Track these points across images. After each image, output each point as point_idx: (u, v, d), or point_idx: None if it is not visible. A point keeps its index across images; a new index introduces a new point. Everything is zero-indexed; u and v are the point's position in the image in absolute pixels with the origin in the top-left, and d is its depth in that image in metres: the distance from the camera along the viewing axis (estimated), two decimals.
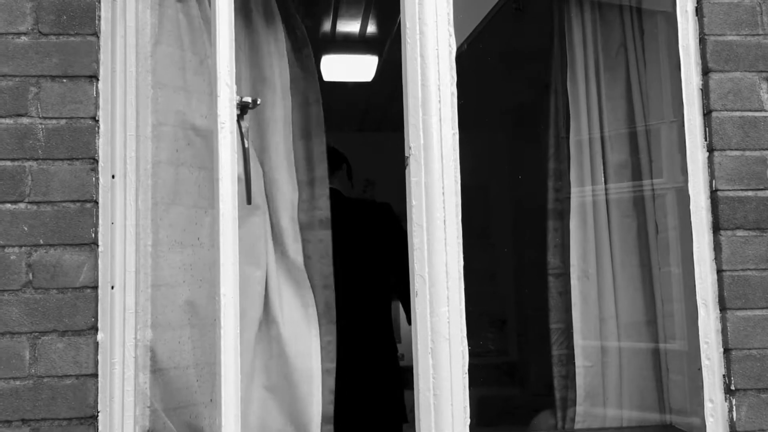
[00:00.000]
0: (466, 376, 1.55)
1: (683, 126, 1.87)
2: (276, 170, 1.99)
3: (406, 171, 1.50)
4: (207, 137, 1.87)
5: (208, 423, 1.82)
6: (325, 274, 2.02)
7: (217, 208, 1.23)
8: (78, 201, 1.65)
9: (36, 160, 1.65)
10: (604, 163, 2.23)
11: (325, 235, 2.02)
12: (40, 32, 1.68)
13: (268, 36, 2.03)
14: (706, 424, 1.78)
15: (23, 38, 1.68)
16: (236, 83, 1.97)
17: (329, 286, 2.02)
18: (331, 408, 1.94)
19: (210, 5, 1.86)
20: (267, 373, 1.93)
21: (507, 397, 4.04)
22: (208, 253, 1.81)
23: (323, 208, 2.03)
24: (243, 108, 1.36)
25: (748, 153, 1.83)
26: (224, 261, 1.25)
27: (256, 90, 2.00)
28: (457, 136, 1.51)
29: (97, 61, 1.70)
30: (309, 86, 2.09)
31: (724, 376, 1.78)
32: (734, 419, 1.75)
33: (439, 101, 1.51)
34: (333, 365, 1.97)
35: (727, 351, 1.78)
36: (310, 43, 2.11)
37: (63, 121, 1.66)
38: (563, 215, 2.21)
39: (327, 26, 3.95)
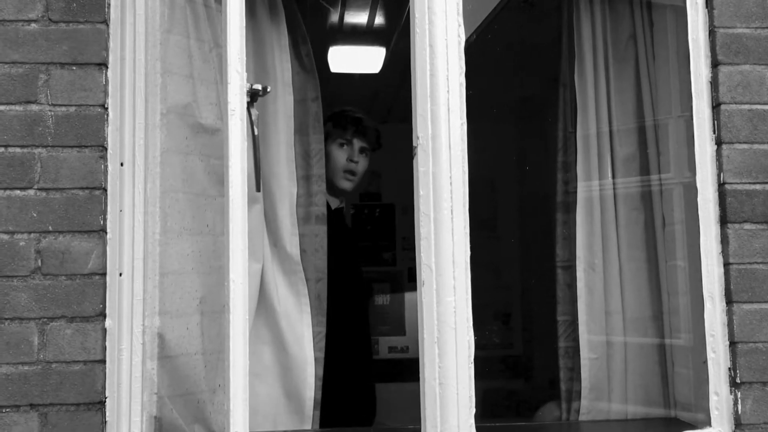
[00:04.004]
0: (472, 365, 1.56)
1: (692, 119, 1.86)
2: (276, 163, 2.01)
3: (414, 161, 1.50)
4: (215, 125, 1.87)
5: (212, 409, 1.82)
6: (319, 267, 2.06)
7: (227, 195, 1.23)
8: (87, 188, 1.65)
9: (45, 147, 1.65)
10: (612, 157, 2.22)
11: (321, 230, 2.07)
12: (50, 19, 1.69)
13: (271, 30, 2.04)
14: (711, 416, 1.78)
15: (33, 25, 1.68)
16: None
17: (322, 279, 2.06)
18: (319, 394, 1.99)
19: None
20: (260, 358, 1.96)
21: (511, 390, 4.05)
22: (217, 241, 1.82)
23: (320, 204, 2.06)
24: (253, 95, 1.36)
25: (756, 146, 1.83)
26: (234, 247, 1.25)
27: (259, 81, 2.01)
28: (465, 126, 1.51)
29: (107, 49, 1.70)
30: (308, 83, 2.10)
31: (729, 369, 1.78)
32: (739, 412, 1.76)
33: (448, 91, 1.51)
34: (321, 354, 2.01)
35: (732, 344, 1.78)
36: (318, 35, 2.12)
37: (72, 109, 1.67)
38: (571, 208, 2.21)
39: (335, 17, 3.94)
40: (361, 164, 2.54)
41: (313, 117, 2.11)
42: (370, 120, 2.59)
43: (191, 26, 1.88)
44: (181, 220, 1.80)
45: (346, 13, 3.89)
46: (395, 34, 4.00)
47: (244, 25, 1.39)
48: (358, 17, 3.97)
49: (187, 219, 1.81)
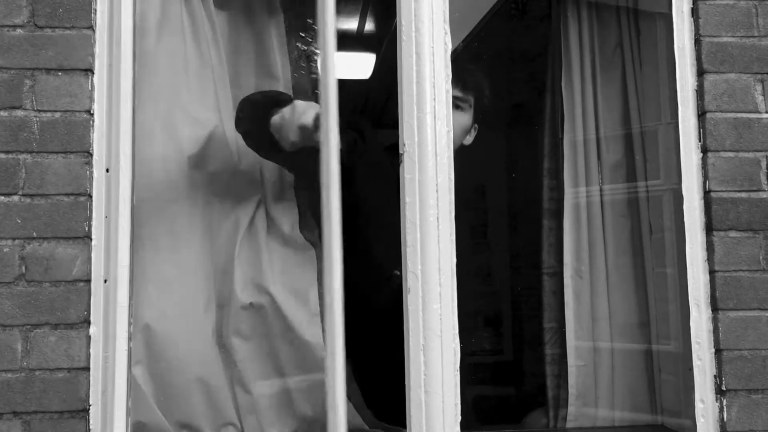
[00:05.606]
0: (458, 373, 1.55)
1: (678, 127, 1.87)
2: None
3: (400, 168, 1.50)
4: (204, 134, 1.87)
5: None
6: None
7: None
8: (72, 194, 1.64)
9: (30, 152, 1.65)
10: (600, 164, 2.23)
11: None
12: (35, 25, 1.68)
13: (270, 28, 2.05)
14: (697, 424, 1.78)
15: (19, 30, 1.68)
16: (243, 77, 1.99)
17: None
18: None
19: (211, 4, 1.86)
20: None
21: (500, 396, 4.05)
22: (203, 249, 1.81)
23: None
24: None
25: (741, 154, 1.84)
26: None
27: (259, 81, 2.03)
28: (451, 134, 1.51)
29: (93, 55, 1.70)
30: (306, 83, 2.10)
31: (715, 376, 1.79)
32: (725, 420, 1.76)
33: (434, 99, 1.51)
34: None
35: (718, 351, 1.78)
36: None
37: (58, 114, 1.66)
38: (558, 214, 2.22)
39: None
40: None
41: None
42: (472, 65, 2.02)
43: (189, 36, 1.88)
44: (168, 228, 1.79)
45: (336, 19, 3.90)
46: (386, 40, 4.01)
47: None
48: (348, 23, 3.98)
49: (174, 226, 1.81)
